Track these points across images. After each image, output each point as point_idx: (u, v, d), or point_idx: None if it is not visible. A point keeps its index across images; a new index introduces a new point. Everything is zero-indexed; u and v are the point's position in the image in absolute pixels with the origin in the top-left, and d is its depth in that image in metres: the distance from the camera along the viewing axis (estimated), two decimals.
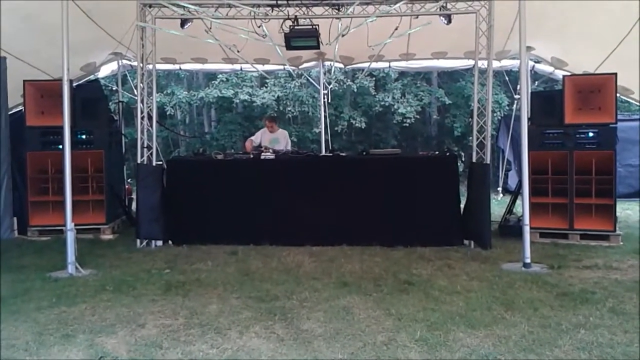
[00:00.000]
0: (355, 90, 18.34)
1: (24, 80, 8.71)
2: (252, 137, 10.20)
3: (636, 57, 8.19)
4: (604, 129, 8.06)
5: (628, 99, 10.47)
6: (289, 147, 9.90)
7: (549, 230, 8.17)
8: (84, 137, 8.87)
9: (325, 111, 12.85)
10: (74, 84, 9.28)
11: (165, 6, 7.83)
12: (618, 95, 8.49)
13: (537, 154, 8.05)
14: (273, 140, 9.78)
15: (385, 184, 8.08)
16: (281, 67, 12.30)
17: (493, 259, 7.09)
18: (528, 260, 6.57)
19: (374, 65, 12.05)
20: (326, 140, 12.83)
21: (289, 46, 7.95)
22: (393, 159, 8.55)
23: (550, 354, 4.05)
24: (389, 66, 12.43)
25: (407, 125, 18.35)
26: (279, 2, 7.82)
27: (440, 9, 7.88)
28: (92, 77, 11.08)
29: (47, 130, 8.68)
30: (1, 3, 7.34)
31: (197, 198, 8.19)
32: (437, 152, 10.31)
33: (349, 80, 18.01)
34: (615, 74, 7.95)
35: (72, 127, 7.10)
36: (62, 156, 6.75)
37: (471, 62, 9.93)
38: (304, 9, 7.93)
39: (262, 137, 9.91)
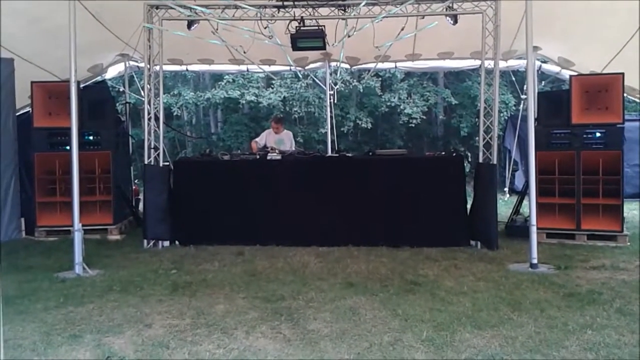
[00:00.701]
0: (362, 90, 18.36)
1: (32, 82, 8.76)
2: (257, 139, 10.23)
3: None
4: (611, 129, 8.03)
5: (635, 99, 10.42)
6: (294, 148, 9.93)
7: (556, 231, 8.15)
8: (91, 138, 8.90)
9: (331, 112, 12.85)
10: (81, 85, 9.31)
11: (172, 7, 7.87)
12: (625, 95, 8.46)
13: (544, 154, 8.04)
14: (278, 141, 9.83)
15: (391, 185, 8.07)
16: (287, 68, 12.31)
17: (500, 259, 7.08)
18: (535, 261, 6.55)
19: (380, 65, 12.05)
20: (332, 141, 12.83)
21: (295, 47, 7.95)
22: (399, 160, 8.54)
23: (557, 354, 4.03)
24: (395, 66, 12.39)
25: (414, 125, 18.34)
26: (285, 3, 7.83)
27: (446, 10, 7.87)
28: (99, 78, 11.13)
29: (54, 131, 8.72)
30: (1, 4, 7.37)
31: (203, 199, 8.21)
32: (443, 153, 10.28)
33: (355, 80, 18.02)
34: (622, 73, 7.92)
35: (80, 128, 7.12)
36: (69, 157, 6.79)
37: (477, 63, 9.91)
38: (310, 10, 7.94)
39: (267, 138, 9.98)
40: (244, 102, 18.65)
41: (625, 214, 8.26)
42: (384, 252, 7.42)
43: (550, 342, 4.23)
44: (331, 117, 12.83)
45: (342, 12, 7.98)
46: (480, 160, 8.10)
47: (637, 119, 13.22)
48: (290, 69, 12.68)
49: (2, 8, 6.85)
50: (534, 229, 6.64)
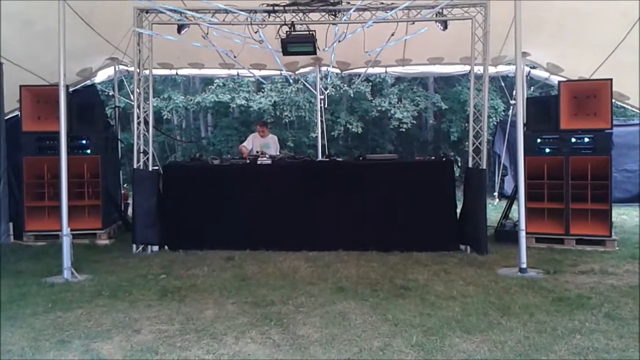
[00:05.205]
0: (352, 95, 18.39)
1: (21, 86, 8.71)
2: (245, 143, 10.29)
3: (631, 62, 8.23)
4: (599, 134, 8.08)
5: (623, 105, 10.50)
6: (278, 152, 10.01)
7: (545, 235, 8.19)
8: (80, 142, 8.84)
9: (321, 116, 12.84)
10: (70, 89, 9.26)
11: (162, 12, 7.84)
12: (613, 100, 8.52)
13: (533, 159, 8.10)
14: (264, 145, 9.97)
15: (381, 189, 8.08)
16: (278, 72, 12.30)
17: (489, 264, 7.09)
18: (524, 266, 6.58)
19: (371, 70, 12.05)
20: (323, 145, 12.84)
21: (285, 52, 7.96)
22: (389, 164, 8.57)
23: (546, 359, 4.05)
24: (386, 71, 12.44)
25: (404, 130, 18.40)
26: (276, 8, 7.84)
27: (436, 15, 7.89)
28: (88, 82, 11.07)
29: (43, 135, 8.67)
30: (1, 7, 7.34)
31: (193, 203, 8.19)
32: (433, 157, 10.29)
33: (345, 85, 18.04)
34: (611, 79, 7.99)
35: (69, 133, 7.08)
36: (58, 161, 6.74)
37: (467, 68, 9.97)
38: (300, 14, 7.94)
39: (254, 142, 10.11)
40: (234, 106, 18.64)
41: (614, 219, 8.32)
42: (374, 257, 7.43)
43: (539, 347, 4.25)
44: (321, 121, 12.83)
45: (333, 17, 8.00)
46: (470, 165, 8.13)
47: (626, 124, 13.35)
48: (281, 74, 12.65)
49: None
50: (523, 234, 6.67)
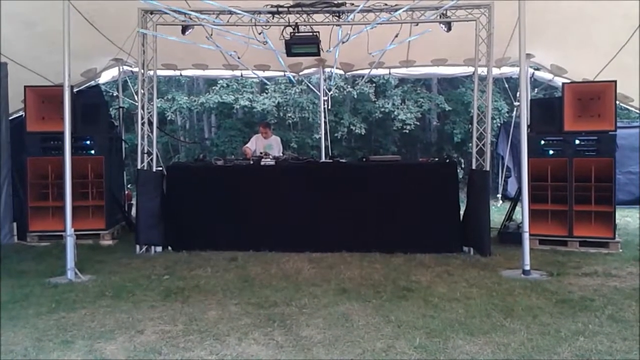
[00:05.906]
0: (356, 96, 18.40)
1: (25, 86, 8.73)
2: (248, 144, 10.30)
3: (634, 64, 8.21)
4: (603, 136, 8.06)
5: (627, 107, 10.48)
6: (281, 153, 10.03)
7: (549, 237, 8.17)
8: (84, 142, 8.86)
9: (325, 117, 12.86)
10: (75, 90, 9.28)
11: (166, 13, 7.85)
12: (617, 102, 8.51)
13: (536, 161, 8.07)
14: (267, 146, 9.99)
15: (384, 191, 8.08)
16: (281, 73, 12.31)
17: (492, 265, 7.08)
18: (527, 267, 6.56)
19: (374, 72, 12.07)
20: (326, 147, 12.85)
21: (289, 53, 7.98)
22: (393, 166, 8.57)
23: None
24: (389, 73, 12.41)
25: (407, 131, 18.39)
26: (280, 9, 7.85)
27: (440, 17, 7.90)
28: (92, 83, 11.10)
29: (47, 135, 8.69)
30: (1, 7, 7.35)
31: (196, 204, 8.19)
32: (436, 159, 10.32)
33: (349, 86, 18.06)
34: (615, 81, 7.96)
35: (73, 133, 7.09)
36: (62, 162, 6.76)
37: (471, 69, 9.95)
38: (304, 15, 7.95)
39: (257, 143, 10.12)
40: (238, 107, 18.67)
41: (617, 221, 8.29)
42: (377, 258, 7.42)
43: (543, 349, 4.24)
44: (325, 122, 12.84)
45: (337, 18, 8.01)
46: (474, 167, 8.12)
47: (630, 126, 13.33)
48: (285, 75, 12.67)
49: None
50: (526, 236, 6.66)
